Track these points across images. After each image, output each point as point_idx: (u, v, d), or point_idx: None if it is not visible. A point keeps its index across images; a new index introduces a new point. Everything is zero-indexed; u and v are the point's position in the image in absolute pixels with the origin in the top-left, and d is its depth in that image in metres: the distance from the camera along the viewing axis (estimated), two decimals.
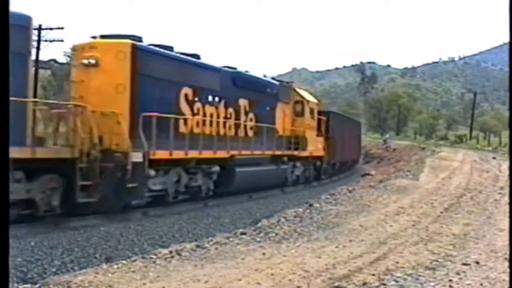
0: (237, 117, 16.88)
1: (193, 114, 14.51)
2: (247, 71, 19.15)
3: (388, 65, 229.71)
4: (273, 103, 19.64)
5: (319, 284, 5.72)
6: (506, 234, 8.44)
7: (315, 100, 24.52)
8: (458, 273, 6.25)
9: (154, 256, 7.21)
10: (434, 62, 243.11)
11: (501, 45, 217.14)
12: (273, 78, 21.54)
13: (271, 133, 18.82)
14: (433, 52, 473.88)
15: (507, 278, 5.08)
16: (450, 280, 5.92)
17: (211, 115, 15.42)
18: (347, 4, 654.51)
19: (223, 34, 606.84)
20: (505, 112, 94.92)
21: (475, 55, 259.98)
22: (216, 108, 15.71)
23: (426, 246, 7.89)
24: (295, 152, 20.87)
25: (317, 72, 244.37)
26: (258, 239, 8.45)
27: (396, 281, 5.82)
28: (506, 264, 6.45)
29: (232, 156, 16.11)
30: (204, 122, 14.92)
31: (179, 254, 7.31)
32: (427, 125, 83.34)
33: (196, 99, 14.68)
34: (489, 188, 16.98)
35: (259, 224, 10.23)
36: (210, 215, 13.34)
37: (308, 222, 10.06)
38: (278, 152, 19.44)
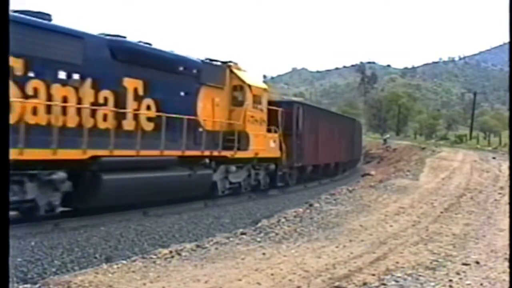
0: (121, 104, 12.24)
1: (26, 97, 10.01)
2: (147, 43, 13.70)
3: (388, 65, 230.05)
4: (193, 87, 14.87)
5: (319, 284, 5.72)
6: (506, 234, 8.45)
7: (263, 86, 18.78)
8: (458, 273, 6.26)
9: (154, 256, 7.23)
10: (434, 62, 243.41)
11: (501, 45, 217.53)
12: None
13: (187, 126, 13.80)
14: (433, 52, 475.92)
15: (507, 278, 5.09)
16: (450, 280, 5.93)
17: (64, 99, 10.83)
18: (347, 4, 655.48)
19: (223, 34, 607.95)
20: (505, 112, 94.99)
21: (475, 55, 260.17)
22: (76, 89, 11.13)
23: (426, 246, 7.90)
24: (225, 153, 15.54)
25: (317, 72, 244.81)
26: (258, 239, 8.47)
27: (396, 281, 5.83)
28: (506, 264, 6.46)
29: (94, 157, 11.04)
30: (49, 108, 10.40)
31: (179, 254, 7.32)
32: (427, 125, 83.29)
33: (32, 74, 10.18)
34: (489, 188, 16.99)
35: (259, 224, 10.26)
36: (210, 215, 13.33)
37: (308, 222, 10.07)
38: (194, 152, 14.18)
